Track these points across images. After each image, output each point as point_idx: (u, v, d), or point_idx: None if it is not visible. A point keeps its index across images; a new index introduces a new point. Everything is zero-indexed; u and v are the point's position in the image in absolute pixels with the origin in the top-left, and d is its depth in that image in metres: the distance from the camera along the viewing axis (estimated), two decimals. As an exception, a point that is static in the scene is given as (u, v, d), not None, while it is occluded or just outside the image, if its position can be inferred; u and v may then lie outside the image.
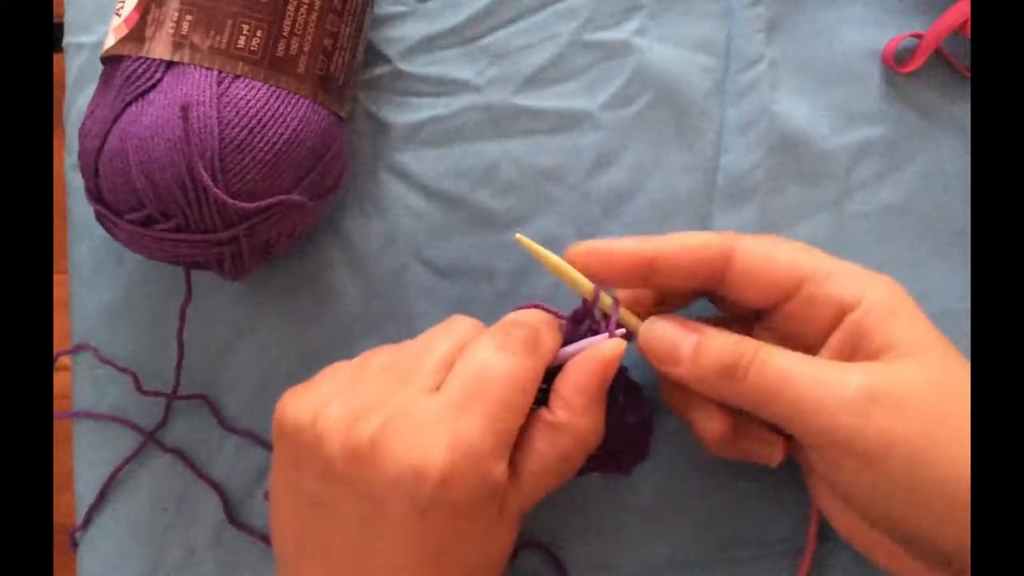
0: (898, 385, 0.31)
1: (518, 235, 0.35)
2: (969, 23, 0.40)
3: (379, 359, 0.35)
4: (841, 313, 0.33)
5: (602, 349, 0.34)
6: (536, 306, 0.36)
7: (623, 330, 0.34)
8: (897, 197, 0.42)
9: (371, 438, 0.31)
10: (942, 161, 0.42)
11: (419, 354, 0.34)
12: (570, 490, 0.40)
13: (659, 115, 0.42)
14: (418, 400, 0.32)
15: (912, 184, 0.42)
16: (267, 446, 0.42)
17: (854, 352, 0.33)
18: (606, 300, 0.35)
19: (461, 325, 0.35)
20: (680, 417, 0.37)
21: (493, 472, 0.31)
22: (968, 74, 0.42)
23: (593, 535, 0.40)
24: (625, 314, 0.35)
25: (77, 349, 0.43)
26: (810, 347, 0.34)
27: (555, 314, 0.36)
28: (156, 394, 0.42)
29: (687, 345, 0.33)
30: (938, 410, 0.31)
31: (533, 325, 0.34)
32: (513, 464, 0.33)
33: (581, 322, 0.35)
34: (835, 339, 0.33)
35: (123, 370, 0.42)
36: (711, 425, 0.36)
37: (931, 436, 0.30)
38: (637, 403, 0.37)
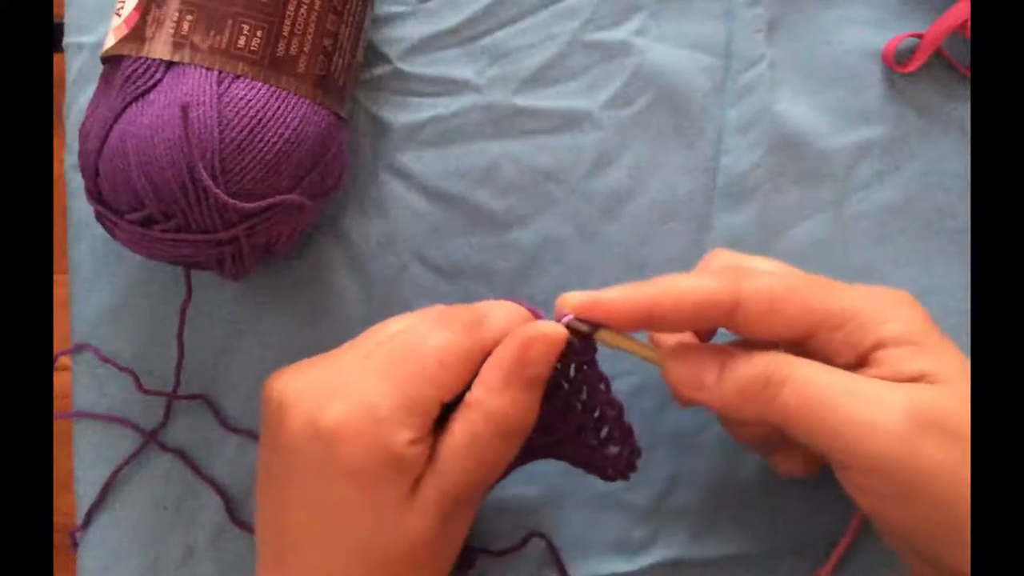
0: (942, 411, 0.30)
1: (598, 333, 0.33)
2: (969, 23, 0.40)
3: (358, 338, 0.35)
4: (863, 354, 0.31)
5: (526, 327, 0.33)
6: (517, 303, 0.35)
7: (569, 318, 0.33)
8: (897, 197, 0.42)
9: (291, 397, 0.32)
10: (942, 161, 0.42)
11: (377, 330, 0.35)
12: (573, 487, 0.40)
13: (659, 115, 0.42)
14: (349, 366, 0.33)
15: (912, 184, 0.42)
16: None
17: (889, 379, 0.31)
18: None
19: (431, 309, 0.35)
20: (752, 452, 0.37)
21: (392, 437, 0.31)
22: (968, 74, 0.42)
23: (594, 533, 0.40)
24: (637, 345, 0.34)
25: (77, 349, 0.43)
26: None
27: (531, 311, 0.35)
28: (157, 393, 0.42)
29: (711, 370, 0.32)
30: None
31: (479, 308, 0.34)
32: (435, 446, 0.32)
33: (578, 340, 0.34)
34: (865, 372, 0.31)
35: (124, 369, 0.42)
36: (789, 465, 0.36)
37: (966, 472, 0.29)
38: (621, 432, 0.35)
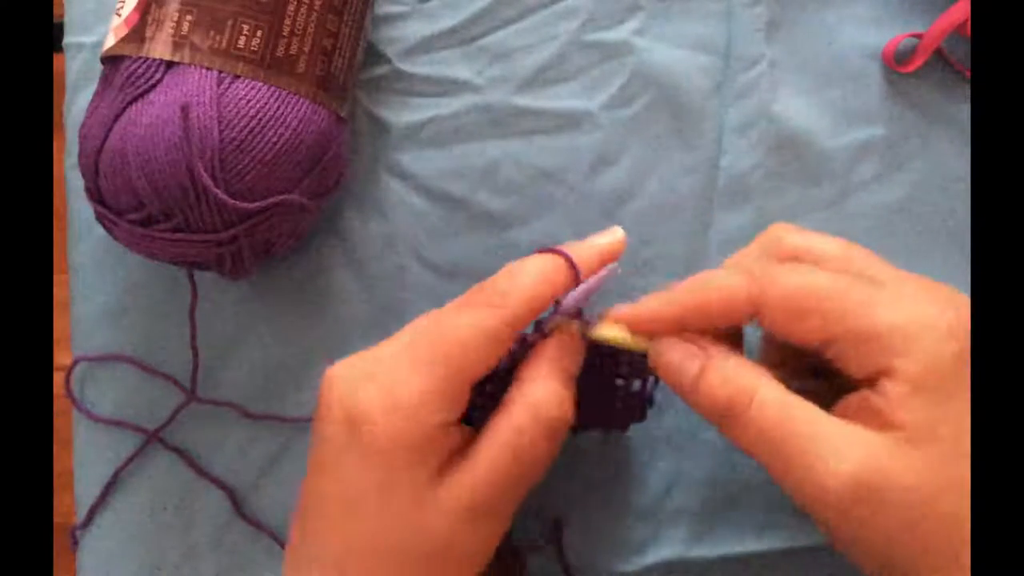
0: (887, 477, 0.29)
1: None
2: (969, 23, 0.40)
3: None
4: (871, 378, 0.30)
5: (555, 340, 0.34)
6: (554, 251, 0.34)
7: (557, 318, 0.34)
8: (897, 197, 0.41)
9: (329, 382, 0.33)
10: (942, 161, 0.42)
11: (422, 317, 0.35)
12: (575, 486, 0.40)
13: (659, 115, 0.42)
14: (386, 352, 0.33)
15: (912, 184, 0.42)
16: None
17: (871, 417, 0.30)
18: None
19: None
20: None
21: (416, 419, 0.31)
22: (968, 74, 0.42)
23: (595, 532, 0.40)
24: (623, 335, 0.34)
25: (79, 359, 0.42)
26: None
27: (563, 256, 0.34)
28: (191, 398, 0.42)
29: (690, 370, 0.32)
30: (921, 509, 0.29)
31: (503, 280, 0.33)
32: (470, 449, 0.32)
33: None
34: (857, 399, 0.31)
35: (166, 376, 0.42)
36: None
37: (908, 537, 0.29)
38: (640, 370, 0.36)
